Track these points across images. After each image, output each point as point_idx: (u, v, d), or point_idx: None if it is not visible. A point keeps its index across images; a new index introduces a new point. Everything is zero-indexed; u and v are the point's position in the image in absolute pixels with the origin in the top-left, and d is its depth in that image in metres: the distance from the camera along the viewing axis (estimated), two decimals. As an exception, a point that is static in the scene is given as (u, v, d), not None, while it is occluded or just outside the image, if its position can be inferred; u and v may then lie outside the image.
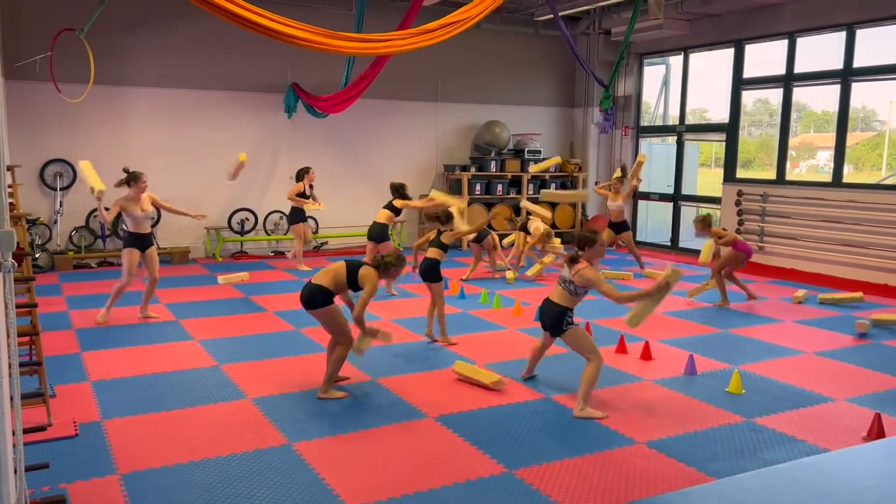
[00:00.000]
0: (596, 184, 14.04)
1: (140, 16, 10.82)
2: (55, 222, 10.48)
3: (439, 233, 6.86)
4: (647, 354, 6.25)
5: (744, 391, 5.41)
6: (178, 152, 11.28)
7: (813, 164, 17.32)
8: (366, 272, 5.13)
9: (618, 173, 11.04)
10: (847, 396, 5.33)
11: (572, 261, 5.02)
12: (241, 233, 11.66)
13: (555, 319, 5.08)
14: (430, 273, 6.61)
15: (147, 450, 4.25)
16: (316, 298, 5.11)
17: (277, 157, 12.05)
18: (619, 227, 10.69)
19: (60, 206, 10.46)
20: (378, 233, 8.91)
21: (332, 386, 5.23)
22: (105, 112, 10.78)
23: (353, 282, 5.14)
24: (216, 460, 4.12)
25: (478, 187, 12.99)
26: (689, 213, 14.04)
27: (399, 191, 9.06)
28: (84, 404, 4.97)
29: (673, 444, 4.42)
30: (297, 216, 10.51)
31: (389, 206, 9.00)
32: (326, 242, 12.46)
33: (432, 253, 6.68)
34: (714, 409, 5.06)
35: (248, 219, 11.66)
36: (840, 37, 10.30)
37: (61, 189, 10.49)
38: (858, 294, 8.68)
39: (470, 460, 4.18)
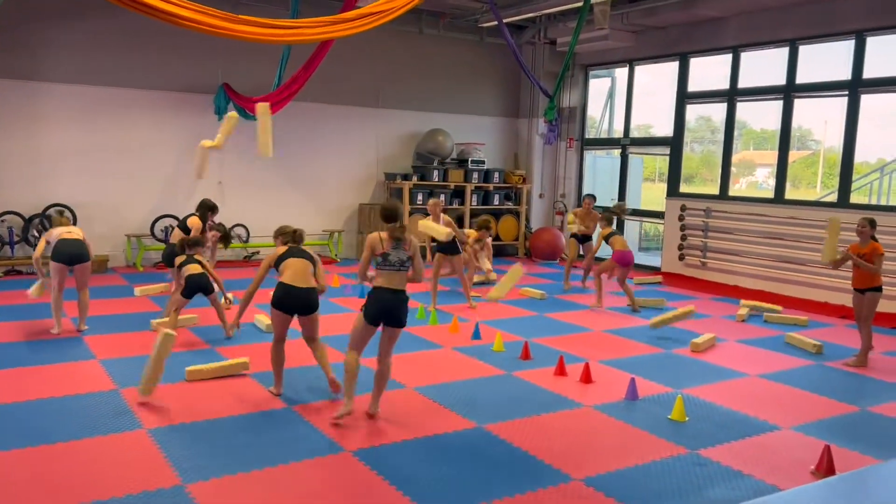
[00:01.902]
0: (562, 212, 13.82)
1: (58, 7, 10.08)
2: (-43, 227, 9.64)
3: None
4: (587, 377, 5.89)
5: (687, 418, 5.10)
6: (97, 154, 10.55)
7: (752, 180, 17.50)
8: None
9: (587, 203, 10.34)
10: (793, 424, 5.06)
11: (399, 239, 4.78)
12: (165, 241, 10.95)
13: (404, 308, 4.80)
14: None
15: (14, 494, 3.66)
16: (315, 302, 5.26)
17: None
18: (585, 238, 10.24)
19: (-37, 208, 9.62)
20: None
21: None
22: (16, 108, 10.00)
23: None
24: (93, 506, 3.57)
25: (420, 197, 12.56)
26: (632, 227, 13.91)
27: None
28: (-51, 437, 4.33)
29: (612, 481, 4.05)
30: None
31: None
32: (258, 252, 11.84)
33: None
34: (656, 439, 4.72)
35: (171, 226, 10.91)
36: (783, 52, 10.26)
37: (-36, 191, 9.66)
38: (804, 318, 8.49)
39: (388, 502, 3.72)
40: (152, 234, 10.95)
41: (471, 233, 9.99)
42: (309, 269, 5.31)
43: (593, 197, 10.38)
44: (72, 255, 6.73)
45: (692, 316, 7.86)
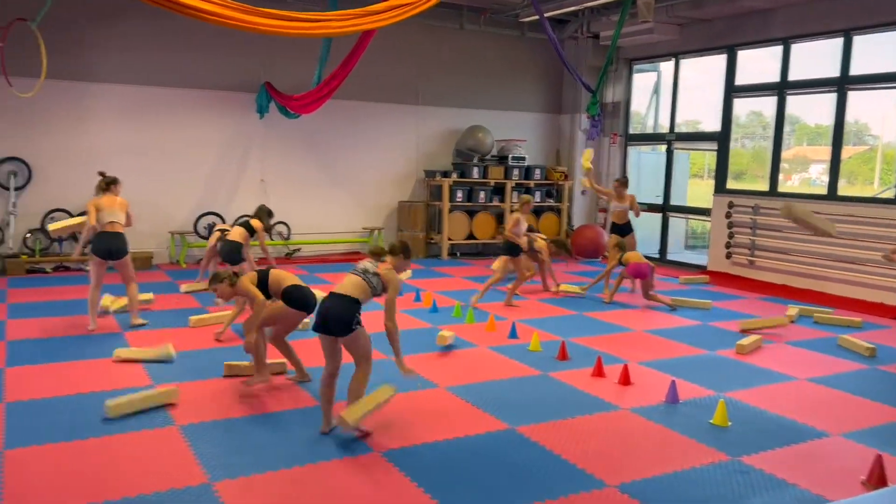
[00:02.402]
0: (584, 192, 13.61)
1: (103, 9, 10.28)
2: (8, 224, 9.89)
3: None
4: (625, 379, 5.72)
5: (730, 423, 4.90)
6: (142, 152, 10.73)
7: (805, 177, 16.94)
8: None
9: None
10: (843, 431, 4.82)
11: (376, 255, 4.65)
12: (208, 238, 11.09)
13: (346, 313, 4.31)
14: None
15: (44, 489, 3.69)
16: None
17: (248, 159, 11.51)
18: (623, 229, 9.81)
19: (14, 206, 9.87)
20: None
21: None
22: (64, 108, 10.23)
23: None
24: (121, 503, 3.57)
25: (459, 194, 12.47)
26: (678, 224, 13.58)
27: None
28: (-12, 431, 4.41)
29: (649, 488, 3.90)
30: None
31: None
32: (299, 249, 11.91)
33: None
34: (696, 444, 4.54)
35: (215, 223, 11.09)
36: (837, 43, 9.86)
37: (16, 189, 9.91)
38: (858, 320, 8.13)
39: (414, 506, 3.65)
40: (195, 231, 11.10)
41: (541, 244, 9.29)
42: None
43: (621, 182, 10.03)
44: (110, 249, 6.83)
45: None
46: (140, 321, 7.05)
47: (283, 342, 5.41)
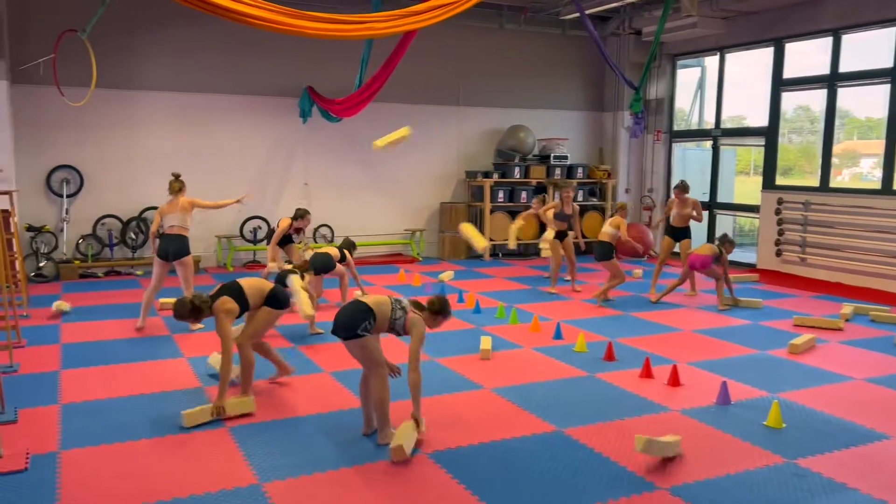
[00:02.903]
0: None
1: (149, 17, 10.50)
2: (61, 230, 10.17)
3: None
4: (675, 380, 5.61)
5: (784, 425, 4.76)
6: (189, 158, 10.92)
7: (857, 171, 16.45)
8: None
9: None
10: (905, 433, 4.65)
11: (419, 307, 4.43)
12: (254, 241, 11.25)
13: (354, 318, 4.26)
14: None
15: (98, 490, 3.77)
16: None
17: (291, 163, 11.64)
18: (678, 233, 9.38)
19: (67, 213, 10.15)
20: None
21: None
22: (114, 116, 10.48)
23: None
24: None
25: (500, 195, 12.42)
26: (725, 221, 13.30)
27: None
28: (45, 432, 4.52)
29: (701, 492, 3.80)
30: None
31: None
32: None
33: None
34: (750, 446, 4.42)
35: (260, 227, 11.25)
36: (890, 33, 9.54)
37: (68, 196, 10.20)
38: None
39: (462, 508, 3.62)
40: (241, 235, 11.25)
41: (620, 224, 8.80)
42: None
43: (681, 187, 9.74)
44: (168, 251, 7.09)
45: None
46: (198, 325, 7.01)
47: (261, 345, 5.38)
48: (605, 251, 8.57)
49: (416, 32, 9.05)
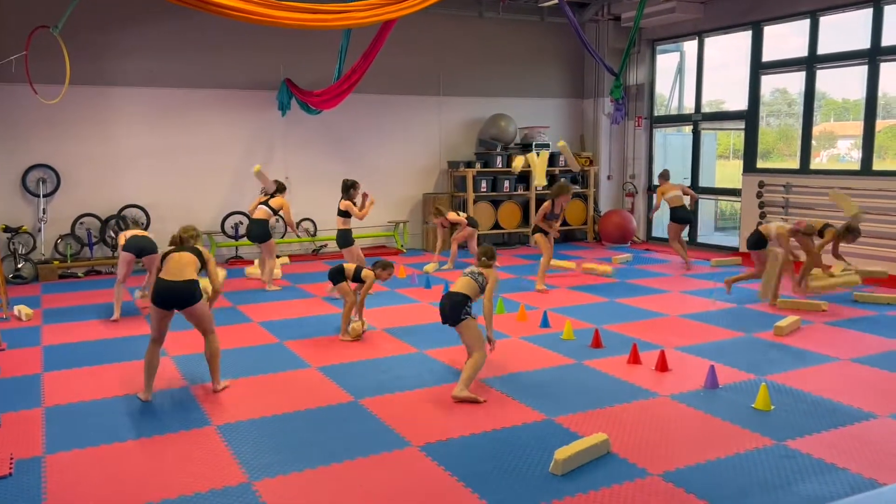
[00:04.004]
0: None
1: (124, 13, 10.32)
2: (39, 230, 10.01)
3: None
4: (662, 365, 5.63)
5: (772, 407, 4.79)
6: (167, 154, 10.80)
7: (834, 153, 16.58)
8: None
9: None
10: (892, 412, 4.69)
11: (485, 264, 5.36)
12: (235, 237, 11.14)
13: (457, 306, 5.09)
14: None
15: (85, 493, 3.71)
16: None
17: (271, 157, 11.52)
18: (679, 214, 10.18)
19: (44, 213, 9.98)
20: None
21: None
22: (89, 113, 10.31)
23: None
24: (162, 505, 3.57)
25: (483, 184, 12.39)
26: (707, 206, 13.37)
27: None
28: (29, 436, 4.44)
29: (692, 476, 3.81)
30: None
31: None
32: (326, 245, 11.91)
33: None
34: (739, 429, 4.44)
35: (241, 222, 11.14)
36: (867, 14, 9.59)
37: (45, 195, 10.02)
38: None
39: (455, 502, 3.59)
40: (223, 231, 11.13)
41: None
42: (187, 262, 5.08)
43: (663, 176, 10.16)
44: (139, 246, 7.38)
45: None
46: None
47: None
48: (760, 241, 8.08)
49: (395, 22, 8.98)
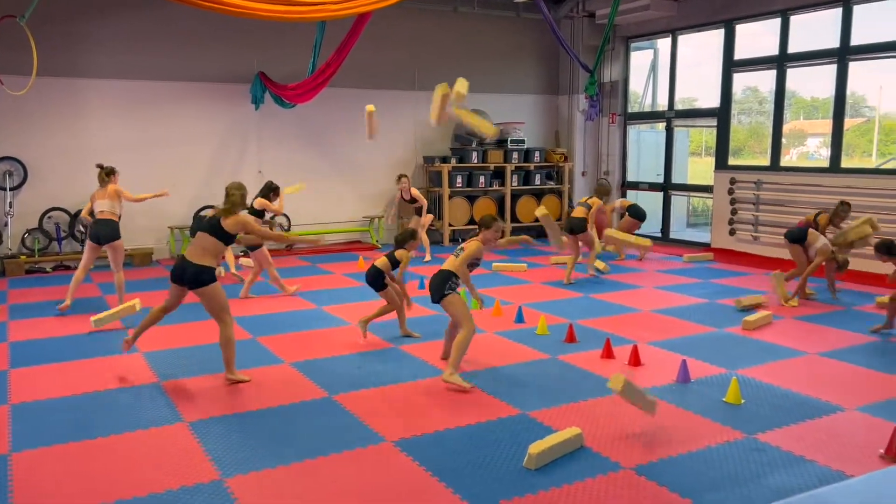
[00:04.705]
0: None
1: (95, 3, 10.15)
2: (6, 224, 9.82)
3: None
4: (635, 359, 5.68)
5: (743, 401, 4.85)
6: (139, 147, 10.64)
7: (803, 151, 16.86)
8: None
9: None
10: (858, 405, 4.78)
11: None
12: (208, 232, 11.00)
13: (439, 283, 5.20)
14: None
15: (53, 491, 3.64)
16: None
17: (245, 151, 11.41)
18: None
19: (11, 207, 9.79)
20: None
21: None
22: (58, 105, 10.13)
23: None
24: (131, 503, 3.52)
25: (459, 180, 12.39)
26: (679, 202, 13.51)
27: None
28: (-5, 433, 4.36)
29: (664, 470, 3.85)
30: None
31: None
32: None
33: (380, 262, 6.28)
34: (710, 423, 4.49)
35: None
36: (836, 13, 9.74)
37: (11, 189, 9.83)
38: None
39: (429, 497, 3.59)
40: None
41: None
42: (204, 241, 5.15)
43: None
44: (100, 235, 7.31)
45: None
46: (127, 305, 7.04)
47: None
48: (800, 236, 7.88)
49: (370, 15, 8.94)
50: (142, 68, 10.56)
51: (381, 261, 6.30)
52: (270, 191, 8.34)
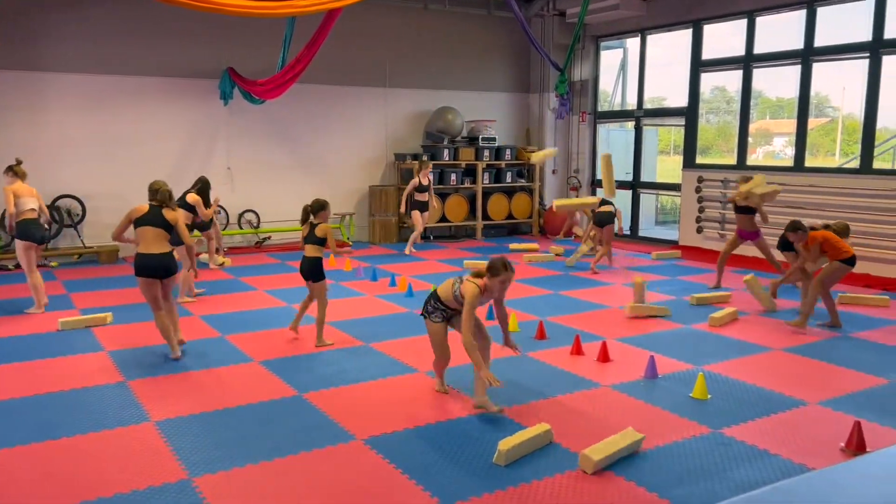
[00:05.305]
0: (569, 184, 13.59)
1: (57, -5, 9.96)
2: (-35, 221, 9.59)
3: (312, 226, 6.16)
4: (604, 356, 5.73)
5: (709, 396, 4.93)
6: (104, 143, 10.48)
7: (769, 150, 17.17)
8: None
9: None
10: (820, 399, 4.88)
11: (478, 274, 4.62)
12: (176, 229, 10.86)
13: (426, 303, 4.82)
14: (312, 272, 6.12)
15: (17, 493, 3.57)
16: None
17: (213, 148, 11.29)
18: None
19: (-29, 203, 9.56)
20: None
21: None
22: (19, 100, 9.92)
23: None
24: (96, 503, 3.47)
25: (430, 177, 12.36)
26: (648, 200, 13.66)
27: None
28: (-45, 435, 4.26)
29: (632, 465, 3.89)
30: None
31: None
32: (269, 237, 11.74)
33: (310, 251, 6.11)
34: (678, 418, 4.55)
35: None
36: (800, 15, 9.92)
37: (-29, 185, 9.59)
38: None
39: (399, 494, 3.60)
40: (162, 222, 10.85)
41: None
42: (162, 235, 5.60)
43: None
44: (37, 235, 7.18)
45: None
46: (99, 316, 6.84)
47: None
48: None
49: (340, 11, 8.90)
50: (107, 63, 10.38)
51: (310, 249, 6.09)
52: (206, 185, 8.22)
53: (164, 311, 5.68)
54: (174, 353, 5.70)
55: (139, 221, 5.61)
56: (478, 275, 4.59)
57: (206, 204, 8.37)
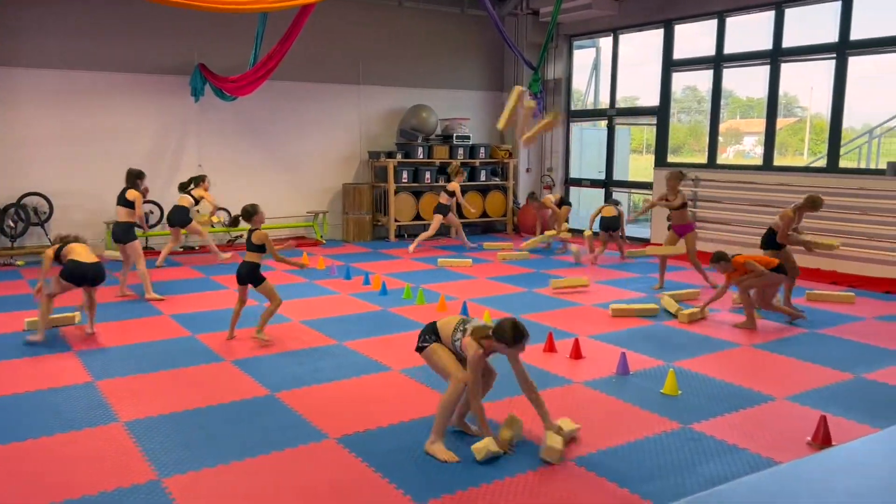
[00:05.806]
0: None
1: (23, -11, 9.77)
2: (-71, 219, 9.38)
3: (250, 233, 6.12)
4: (577, 353, 5.77)
5: (680, 392, 4.98)
6: (73, 139, 10.31)
7: (740, 149, 17.41)
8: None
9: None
10: (788, 394, 4.96)
11: (483, 332, 3.96)
12: (146, 227, 10.72)
13: (422, 333, 4.22)
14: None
15: (-20, 495, 3.51)
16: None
17: (184, 145, 11.16)
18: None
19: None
20: None
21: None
22: (-15, 96, 9.72)
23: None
24: (64, 506, 3.41)
25: (405, 175, 12.36)
26: (620, 198, 13.74)
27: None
28: (-84, 437, 4.16)
29: (603, 461, 3.93)
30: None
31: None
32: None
33: (249, 256, 6.10)
34: (648, 414, 4.60)
35: (152, 212, 10.74)
36: (769, 16, 10.06)
37: (-65, 182, 9.40)
38: None
39: (373, 493, 3.59)
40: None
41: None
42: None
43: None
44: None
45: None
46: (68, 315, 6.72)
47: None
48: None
49: (313, 7, 8.85)
50: (76, 58, 10.21)
51: (250, 255, 6.13)
52: (137, 178, 7.78)
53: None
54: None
55: None
56: (483, 332, 3.96)
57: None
